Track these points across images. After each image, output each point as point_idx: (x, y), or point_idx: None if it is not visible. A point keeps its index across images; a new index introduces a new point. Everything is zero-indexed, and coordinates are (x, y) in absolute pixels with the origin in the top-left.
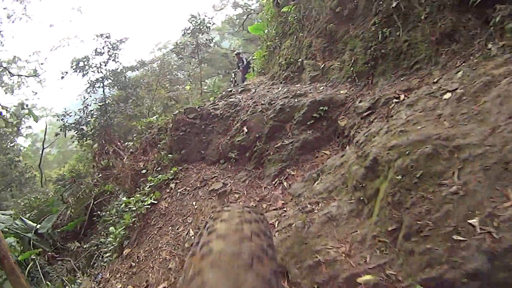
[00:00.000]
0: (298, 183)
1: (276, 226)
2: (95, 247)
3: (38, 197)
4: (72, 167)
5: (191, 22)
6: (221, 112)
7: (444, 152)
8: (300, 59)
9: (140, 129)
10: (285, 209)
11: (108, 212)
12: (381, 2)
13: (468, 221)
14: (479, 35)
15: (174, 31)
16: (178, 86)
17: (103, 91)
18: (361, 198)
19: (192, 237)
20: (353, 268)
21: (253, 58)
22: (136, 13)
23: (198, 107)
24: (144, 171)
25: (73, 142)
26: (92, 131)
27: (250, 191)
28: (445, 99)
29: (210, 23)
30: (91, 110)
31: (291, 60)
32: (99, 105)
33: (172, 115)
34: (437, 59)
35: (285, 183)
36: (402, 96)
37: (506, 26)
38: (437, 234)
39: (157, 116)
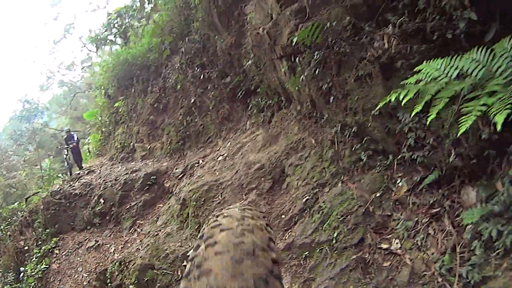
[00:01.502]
0: (146, 226)
1: (140, 249)
2: None
3: None
4: None
5: (25, 108)
6: (80, 191)
7: (214, 187)
8: (132, 143)
9: (6, 215)
10: (141, 241)
11: None
12: (184, 99)
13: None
14: (243, 117)
15: None
16: (15, 172)
17: None
18: (181, 220)
19: (87, 277)
20: (182, 249)
21: (88, 141)
22: None
23: (60, 190)
24: (26, 247)
25: None
26: None
27: (116, 241)
28: (219, 160)
29: (43, 107)
30: None
31: (125, 144)
32: None
33: (41, 198)
34: (221, 134)
35: (138, 229)
36: (200, 161)
37: (254, 111)
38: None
39: (18, 202)
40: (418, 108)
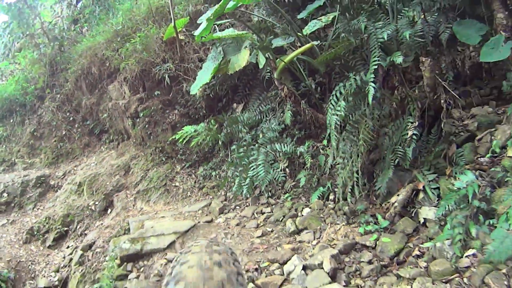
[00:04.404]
0: (48, 204)
1: (56, 210)
2: None
3: None
4: None
5: None
6: None
7: (96, 175)
8: (13, 159)
9: None
10: (54, 206)
11: None
12: (57, 131)
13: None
14: (98, 145)
15: None
16: None
17: None
18: (79, 193)
19: (17, 235)
20: (86, 203)
21: None
22: None
23: None
24: None
25: None
26: None
27: (25, 217)
28: (91, 165)
29: None
30: None
31: (5, 159)
32: None
33: None
34: (84, 154)
35: (41, 208)
36: (75, 168)
37: (106, 141)
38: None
39: None
40: (183, 141)
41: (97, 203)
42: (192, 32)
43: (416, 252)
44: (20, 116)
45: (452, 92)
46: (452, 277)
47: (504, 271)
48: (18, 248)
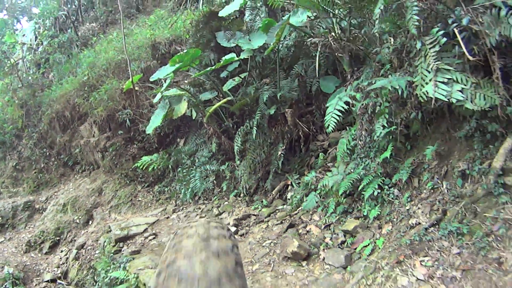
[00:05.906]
0: (38, 223)
1: (48, 226)
2: None
3: None
4: None
5: None
6: None
7: (77, 197)
8: None
9: None
10: (44, 223)
11: None
12: (37, 164)
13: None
14: (72, 174)
15: None
16: None
17: None
18: (64, 212)
19: (17, 248)
20: (71, 218)
21: None
22: None
23: None
24: None
25: None
26: None
27: (19, 235)
28: (70, 190)
29: None
30: None
31: None
32: None
33: None
34: (61, 182)
35: (32, 227)
36: (56, 194)
37: (79, 170)
38: None
39: None
40: (142, 168)
41: (80, 217)
42: (145, 84)
43: (278, 213)
44: (2, 152)
45: (319, 123)
46: (286, 218)
47: (310, 212)
48: (21, 256)
